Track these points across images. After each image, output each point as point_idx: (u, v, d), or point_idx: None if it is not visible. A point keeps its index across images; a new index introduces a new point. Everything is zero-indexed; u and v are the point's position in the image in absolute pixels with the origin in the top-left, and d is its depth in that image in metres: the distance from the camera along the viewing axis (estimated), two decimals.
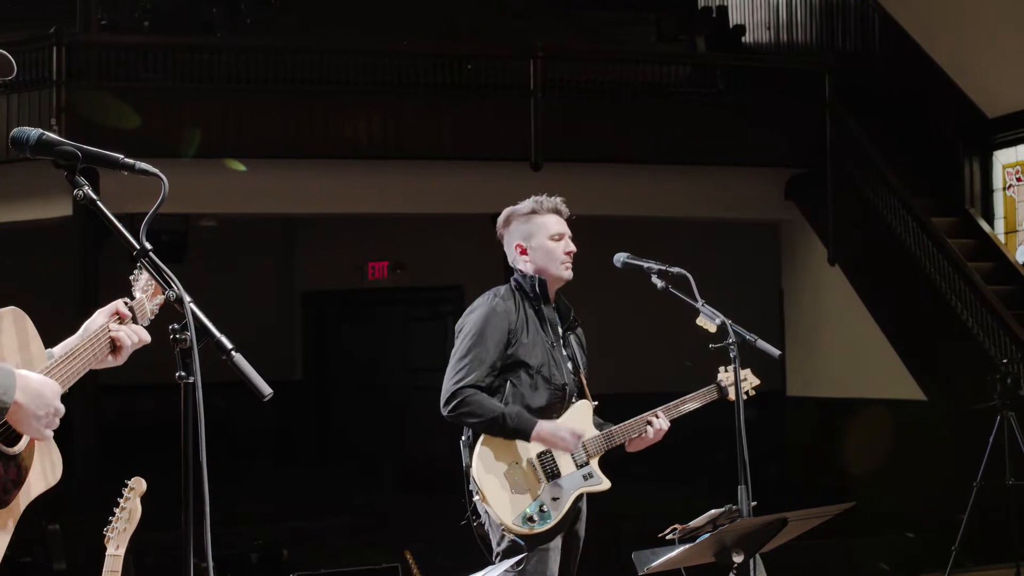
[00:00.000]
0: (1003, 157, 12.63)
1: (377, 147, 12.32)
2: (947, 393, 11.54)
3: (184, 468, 2.62)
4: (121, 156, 2.77)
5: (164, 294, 3.19)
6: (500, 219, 5.16)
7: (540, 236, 5.06)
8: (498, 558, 4.87)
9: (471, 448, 4.89)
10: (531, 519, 4.81)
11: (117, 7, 13.98)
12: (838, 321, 13.25)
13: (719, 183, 13.29)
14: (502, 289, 5.11)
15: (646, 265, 5.09)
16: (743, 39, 16.46)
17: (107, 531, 3.73)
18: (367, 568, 7.89)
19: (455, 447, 4.99)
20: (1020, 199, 12.45)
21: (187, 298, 2.67)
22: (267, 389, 2.71)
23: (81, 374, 2.97)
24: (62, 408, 2.75)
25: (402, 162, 12.42)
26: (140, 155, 2.87)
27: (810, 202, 13.45)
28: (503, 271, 5.20)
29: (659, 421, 5.06)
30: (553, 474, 4.90)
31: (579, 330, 5.27)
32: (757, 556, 4.63)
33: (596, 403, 5.14)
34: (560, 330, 5.13)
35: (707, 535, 4.43)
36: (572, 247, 5.08)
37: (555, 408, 4.98)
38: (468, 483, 4.88)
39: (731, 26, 16.74)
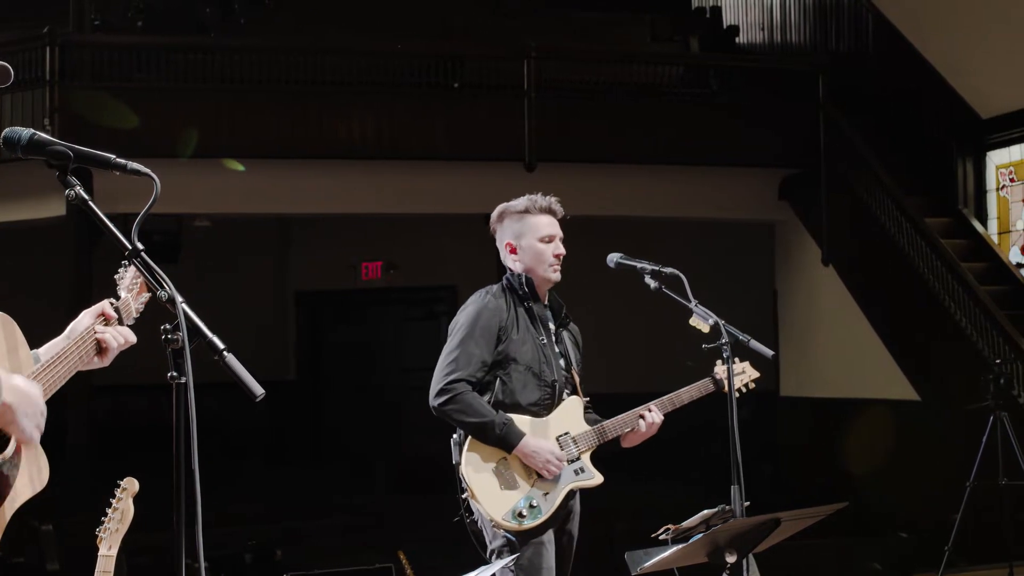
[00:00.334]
0: (996, 158, 12.64)
1: (371, 147, 12.31)
2: (941, 393, 11.55)
3: (176, 469, 2.61)
4: (113, 156, 2.76)
5: (150, 292, 3.19)
6: (494, 214, 5.18)
7: (530, 236, 5.07)
8: (492, 555, 4.88)
9: (461, 445, 4.89)
10: (521, 515, 4.81)
11: (110, 7, 13.97)
12: (832, 321, 13.26)
13: (713, 183, 13.29)
14: (494, 287, 5.13)
15: (639, 265, 5.09)
16: (737, 39, 16.46)
17: (99, 531, 3.72)
18: (361, 568, 7.89)
19: (449, 447, 4.99)
20: (1013, 199, 12.46)
21: (179, 298, 2.67)
22: (259, 390, 2.71)
23: (68, 377, 2.96)
24: (46, 409, 2.74)
25: (396, 162, 12.42)
26: (133, 155, 2.86)
27: (804, 202, 13.46)
28: (496, 271, 5.20)
29: (652, 415, 5.07)
30: None
31: (573, 327, 5.27)
32: (751, 556, 4.63)
33: (588, 399, 5.14)
34: (552, 327, 5.13)
35: (700, 535, 4.44)
36: (561, 250, 5.09)
37: (546, 404, 4.98)
38: (459, 480, 4.88)
39: (725, 27, 16.74)
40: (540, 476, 4.89)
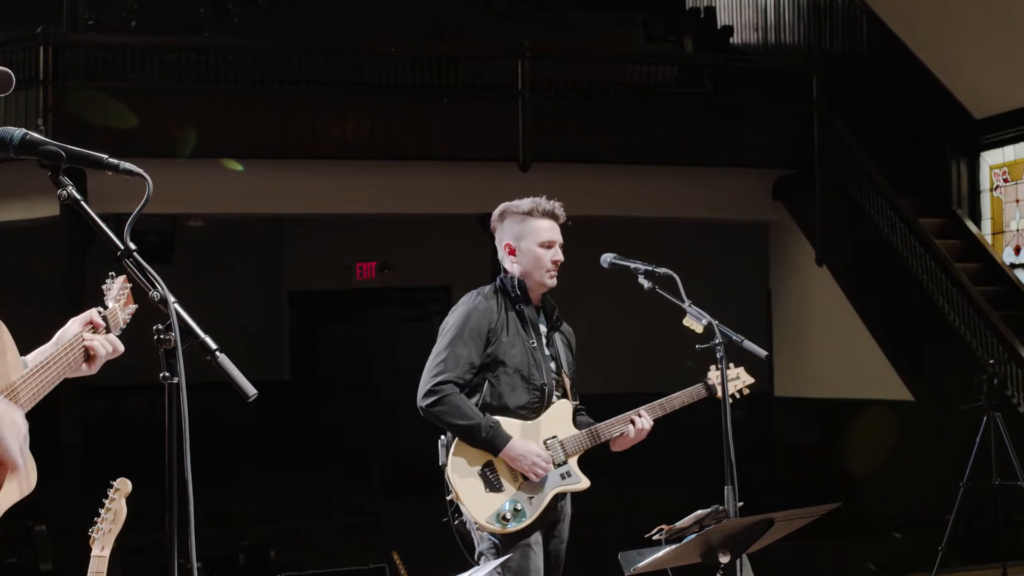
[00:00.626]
0: (990, 158, 12.65)
1: (365, 147, 12.31)
2: (934, 393, 11.57)
3: (168, 469, 2.61)
4: (105, 156, 2.75)
5: (136, 304, 3.19)
6: (496, 212, 5.16)
7: (530, 240, 5.05)
8: (480, 558, 4.88)
9: (448, 448, 4.89)
10: (505, 518, 4.81)
11: (104, 7, 13.95)
12: (826, 322, 13.27)
13: (707, 184, 13.30)
14: (486, 288, 5.12)
15: (633, 266, 5.08)
16: (731, 40, 16.47)
17: (92, 532, 3.71)
18: (355, 568, 7.90)
19: None
20: (1007, 200, 12.47)
21: (171, 298, 2.66)
22: (251, 390, 2.70)
23: (55, 383, 2.95)
24: (27, 433, 2.73)
25: (390, 162, 12.41)
26: (127, 155, 2.85)
27: (798, 203, 13.47)
28: (491, 271, 5.20)
29: (641, 420, 5.05)
30: None
31: (566, 328, 5.26)
32: (744, 556, 4.63)
33: (576, 402, 5.13)
34: (544, 329, 5.12)
35: (694, 535, 4.44)
36: (560, 256, 5.08)
37: (534, 408, 4.97)
38: (445, 482, 4.88)
39: (719, 27, 16.74)
40: (526, 480, 4.87)
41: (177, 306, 2.67)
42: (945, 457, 9.96)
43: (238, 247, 16.05)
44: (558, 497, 4.97)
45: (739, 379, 5.33)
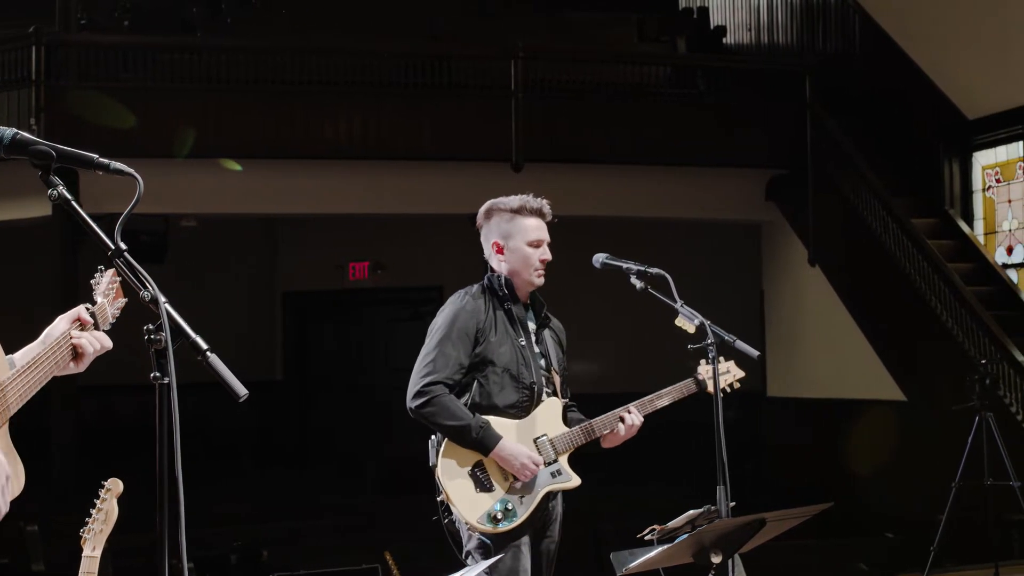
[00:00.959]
0: (983, 158, 12.66)
1: (358, 147, 12.31)
2: (927, 393, 11.58)
3: (159, 469, 2.60)
4: (95, 156, 2.75)
5: (126, 297, 3.18)
6: (482, 210, 5.12)
7: (519, 239, 5.03)
8: (469, 557, 4.87)
9: (438, 448, 4.88)
10: (495, 518, 4.80)
11: (97, 6, 13.93)
12: (818, 322, 13.28)
13: (700, 184, 13.31)
14: (474, 287, 5.09)
15: (625, 266, 5.07)
16: (724, 40, 16.48)
17: (83, 532, 3.71)
18: (347, 569, 7.89)
19: None
20: (999, 200, 12.48)
21: (162, 298, 2.65)
22: (242, 390, 2.70)
23: (43, 382, 2.94)
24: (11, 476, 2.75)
25: (383, 162, 12.41)
26: (120, 155, 2.85)
27: (791, 203, 13.48)
28: (483, 271, 5.18)
29: (631, 416, 5.03)
30: None
31: (556, 325, 5.23)
32: (736, 556, 4.63)
33: (566, 400, 5.12)
34: (533, 327, 5.12)
35: (686, 535, 4.43)
36: (548, 255, 5.05)
37: (524, 407, 4.96)
38: (435, 483, 4.88)
39: (712, 27, 16.75)
40: (517, 479, 4.87)
41: (168, 306, 2.66)
42: (937, 457, 9.97)
43: (231, 247, 16.03)
44: (549, 496, 4.96)
45: (729, 372, 5.30)
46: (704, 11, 17.03)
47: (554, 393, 5.07)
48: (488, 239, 5.10)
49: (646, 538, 5.00)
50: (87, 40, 12.40)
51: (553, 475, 4.94)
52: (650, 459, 10.21)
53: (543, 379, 5.03)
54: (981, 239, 12.50)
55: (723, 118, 13.11)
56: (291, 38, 13.93)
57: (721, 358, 5.03)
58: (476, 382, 4.93)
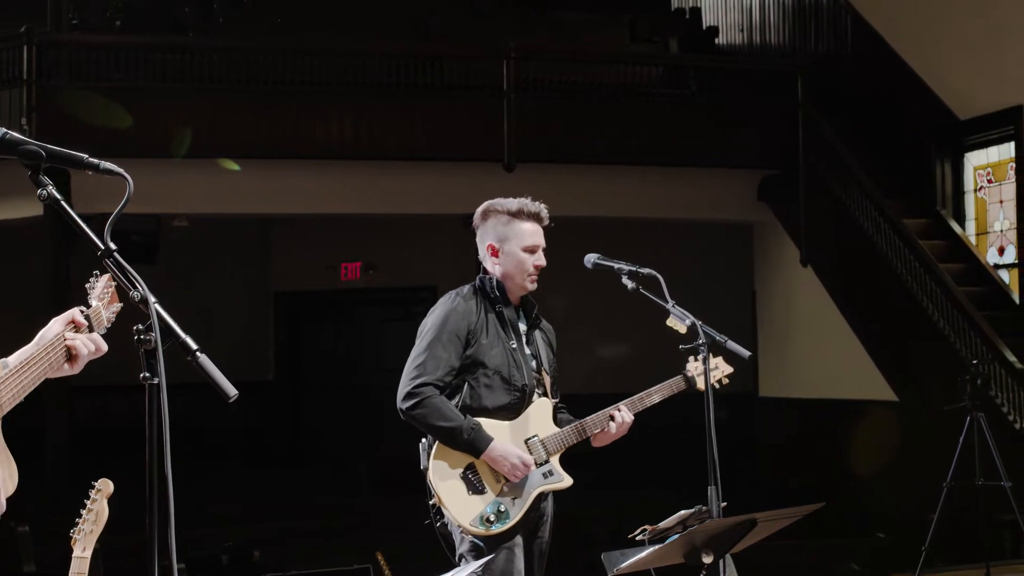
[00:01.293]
0: (974, 159, 12.68)
1: (350, 148, 12.30)
2: (918, 394, 11.60)
3: (148, 469, 2.60)
4: (85, 156, 2.75)
5: (122, 303, 3.17)
6: (479, 210, 5.10)
7: (514, 243, 5.01)
8: (461, 560, 4.86)
9: (429, 450, 4.88)
10: (488, 520, 4.79)
11: (88, 6, 13.90)
12: (810, 322, 13.29)
13: (692, 184, 13.31)
14: (465, 288, 5.08)
15: (616, 266, 5.07)
16: (716, 40, 16.49)
17: (74, 533, 3.70)
18: (339, 569, 7.87)
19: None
20: (991, 201, 12.50)
21: (152, 299, 2.65)
22: (232, 390, 2.70)
23: (36, 383, 2.93)
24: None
25: (375, 163, 12.41)
26: (112, 155, 2.85)
27: (783, 203, 13.49)
28: (476, 272, 5.18)
29: (621, 415, 5.03)
30: None
31: (546, 326, 5.23)
32: (728, 556, 4.63)
33: (557, 401, 5.12)
34: (524, 328, 5.11)
35: (677, 536, 4.44)
36: (543, 261, 5.04)
37: (514, 408, 4.96)
38: (427, 485, 4.87)
39: (704, 27, 16.76)
40: (508, 481, 4.87)
41: (157, 306, 2.66)
42: (929, 457, 9.98)
43: (223, 247, 16.02)
44: (541, 497, 4.96)
45: (718, 369, 5.29)
46: (696, 11, 17.04)
47: (544, 394, 5.07)
48: (483, 241, 5.09)
49: (637, 538, 5.00)
50: (79, 40, 12.38)
51: (545, 476, 4.94)
52: (641, 459, 10.23)
53: (534, 381, 5.03)
54: (973, 239, 12.52)
55: (715, 118, 13.12)
56: (283, 38, 13.91)
57: (710, 355, 5.02)
58: (467, 384, 4.92)
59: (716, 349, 4.94)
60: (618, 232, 12.92)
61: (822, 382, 13.09)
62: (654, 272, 4.97)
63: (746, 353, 4.92)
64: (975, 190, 12.69)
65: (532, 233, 5.03)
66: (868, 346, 12.38)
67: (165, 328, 2.66)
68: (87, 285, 3.24)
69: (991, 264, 12.26)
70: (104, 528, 3.73)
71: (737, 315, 13.38)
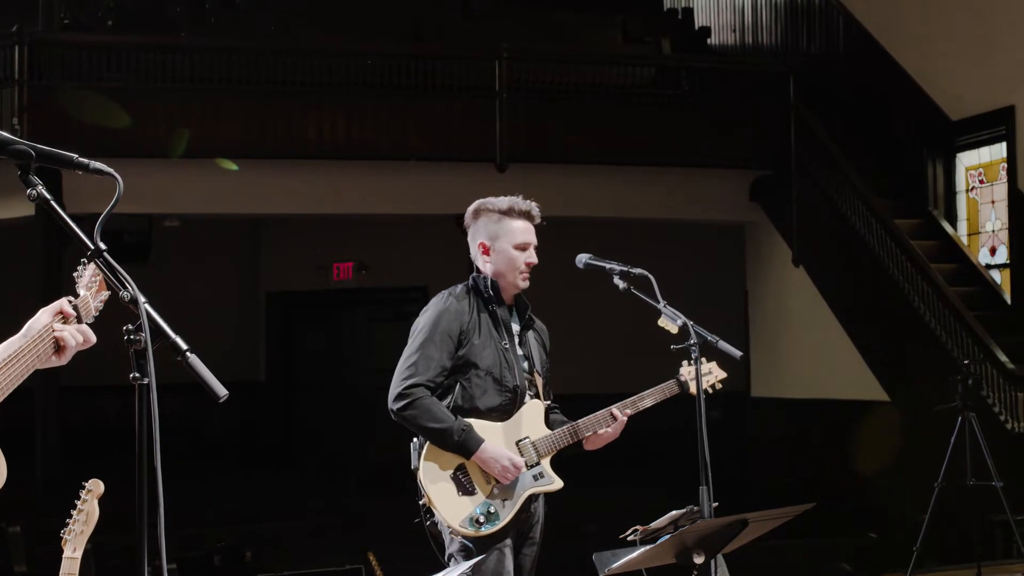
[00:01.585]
0: (966, 159, 12.70)
1: (342, 148, 12.29)
2: (910, 394, 11.60)
3: (138, 470, 2.60)
4: (75, 155, 2.74)
5: (110, 290, 3.16)
6: (470, 209, 5.10)
7: (505, 241, 5.01)
8: (451, 560, 4.86)
9: (419, 451, 4.87)
10: (478, 521, 4.79)
11: (80, 6, 13.89)
12: (802, 322, 13.30)
13: (684, 184, 13.32)
14: (458, 288, 5.08)
15: (608, 266, 5.06)
16: (708, 41, 16.50)
17: (64, 533, 3.69)
18: (330, 569, 7.88)
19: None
20: (983, 201, 12.52)
21: (141, 299, 2.65)
22: (222, 391, 2.69)
23: (25, 375, 2.92)
24: None
25: (367, 163, 12.40)
26: (104, 155, 2.86)
27: (775, 203, 13.50)
28: (468, 272, 5.17)
29: (614, 418, 5.04)
30: None
31: (540, 326, 5.22)
32: (719, 556, 4.63)
33: (549, 402, 5.12)
34: (516, 329, 5.11)
35: (668, 536, 4.44)
36: (534, 259, 5.04)
37: (506, 409, 4.95)
38: (418, 486, 4.87)
39: (696, 28, 16.77)
40: (499, 482, 4.86)
41: (147, 306, 2.65)
42: (920, 457, 9.99)
43: (214, 247, 16.00)
44: (532, 498, 4.96)
45: (711, 374, 5.30)
46: (688, 12, 17.04)
47: (536, 395, 5.07)
48: (475, 239, 5.09)
49: (628, 539, 5.00)
50: (70, 40, 12.36)
51: (535, 478, 4.93)
52: (633, 460, 10.22)
53: (526, 382, 5.02)
54: (964, 240, 12.54)
55: (707, 119, 13.13)
56: (275, 38, 13.91)
57: (703, 359, 5.02)
58: (459, 384, 4.92)
59: (707, 349, 4.94)
60: (610, 232, 12.92)
61: (814, 382, 13.10)
62: (646, 272, 4.97)
63: (737, 353, 4.92)
64: (967, 190, 12.71)
65: (523, 231, 5.03)
66: (860, 346, 12.39)
67: (155, 328, 2.65)
68: (75, 274, 3.22)
69: (983, 264, 12.28)
70: (95, 528, 3.73)
71: (729, 315, 13.39)
